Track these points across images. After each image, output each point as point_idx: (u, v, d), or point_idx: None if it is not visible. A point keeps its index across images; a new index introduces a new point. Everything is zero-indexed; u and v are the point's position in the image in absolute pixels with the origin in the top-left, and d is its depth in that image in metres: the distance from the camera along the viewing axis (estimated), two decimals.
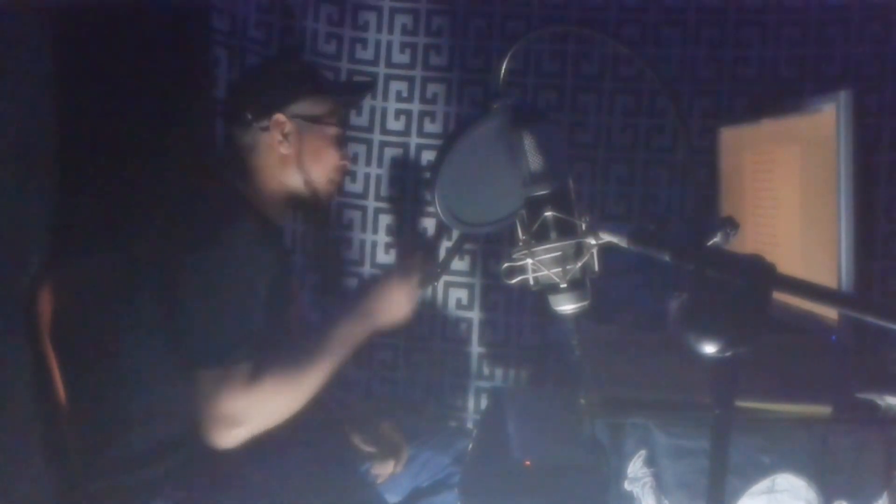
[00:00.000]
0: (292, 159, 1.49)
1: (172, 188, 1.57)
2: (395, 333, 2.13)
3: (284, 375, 1.33)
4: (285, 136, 1.47)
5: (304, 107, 1.49)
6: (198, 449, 1.29)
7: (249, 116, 1.47)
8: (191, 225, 1.37)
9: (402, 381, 2.16)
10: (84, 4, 1.72)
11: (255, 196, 1.48)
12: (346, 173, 1.66)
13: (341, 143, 1.54)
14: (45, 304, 1.42)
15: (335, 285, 2.15)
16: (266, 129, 1.47)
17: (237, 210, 1.40)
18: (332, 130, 1.52)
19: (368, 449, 1.60)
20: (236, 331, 1.30)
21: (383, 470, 1.58)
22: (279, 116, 1.47)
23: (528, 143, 0.94)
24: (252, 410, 1.28)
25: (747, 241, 1.70)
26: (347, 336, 1.40)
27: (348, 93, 1.72)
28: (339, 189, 1.65)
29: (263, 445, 1.32)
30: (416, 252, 1.52)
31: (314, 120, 1.49)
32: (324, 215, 1.63)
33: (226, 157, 1.52)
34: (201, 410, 1.26)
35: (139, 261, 1.39)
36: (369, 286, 1.50)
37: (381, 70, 2.14)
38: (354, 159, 2.14)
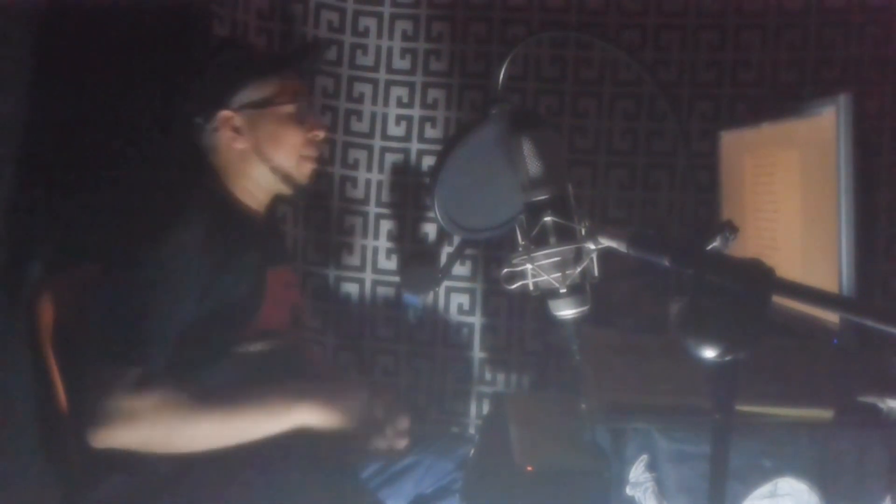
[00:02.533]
0: (252, 151, 1.46)
1: (155, 194, 1.53)
2: (397, 339, 2.15)
3: (176, 401, 1.27)
4: (237, 130, 1.45)
5: (248, 94, 1.46)
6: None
7: (198, 120, 1.45)
8: (138, 229, 1.35)
9: (403, 386, 2.16)
10: (84, 10, 1.73)
11: (233, 196, 1.47)
12: (321, 143, 1.56)
13: (302, 116, 1.50)
14: (46, 310, 1.42)
15: (336, 291, 2.15)
16: (216, 129, 1.45)
17: (186, 217, 1.36)
18: (286, 109, 1.47)
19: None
20: (139, 335, 1.27)
21: (384, 444, 1.43)
22: (224, 113, 1.44)
23: (527, 148, 0.95)
24: (128, 417, 1.23)
25: (748, 245, 1.70)
26: (270, 401, 1.32)
27: (288, 65, 1.60)
28: (320, 161, 1.59)
29: (263, 451, 1.32)
30: (389, 399, 1.43)
31: (261, 105, 1.45)
32: (302, 193, 1.53)
33: (199, 163, 1.49)
34: (85, 403, 1.25)
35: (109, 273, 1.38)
36: (332, 380, 1.47)
37: (382, 76, 2.14)
38: (355, 165, 2.14)
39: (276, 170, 1.48)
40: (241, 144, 1.46)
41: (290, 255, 1.64)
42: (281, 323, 1.52)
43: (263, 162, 1.47)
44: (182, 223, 1.34)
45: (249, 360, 1.43)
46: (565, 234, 0.95)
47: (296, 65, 1.62)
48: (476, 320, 2.16)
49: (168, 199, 1.41)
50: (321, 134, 1.54)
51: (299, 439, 1.35)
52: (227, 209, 1.47)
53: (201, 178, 1.48)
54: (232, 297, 1.39)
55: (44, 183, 1.66)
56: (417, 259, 2.05)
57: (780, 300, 0.74)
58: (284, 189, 1.53)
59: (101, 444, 1.24)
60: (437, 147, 2.12)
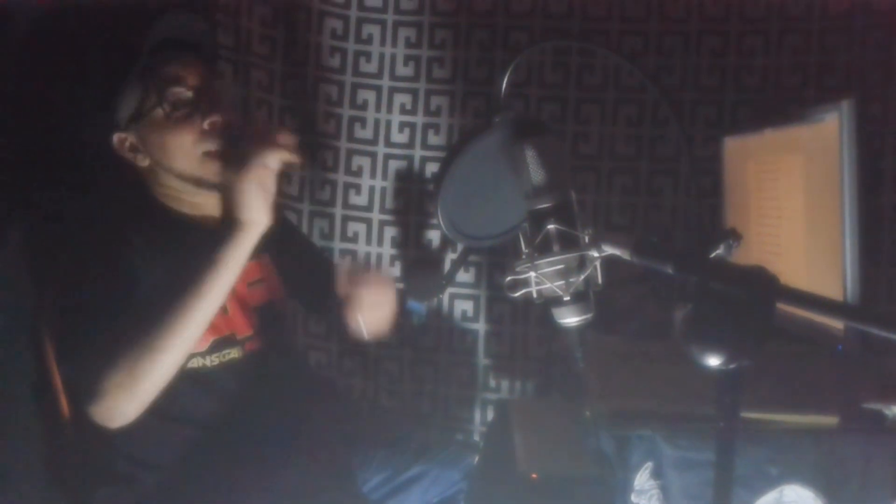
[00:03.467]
0: (154, 167, 1.38)
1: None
2: (401, 345, 2.15)
3: (140, 324, 1.20)
4: (134, 149, 1.37)
5: (125, 110, 1.36)
6: (197, 462, 1.30)
7: (107, 143, 1.38)
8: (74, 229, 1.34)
9: (407, 393, 2.16)
10: (84, 16, 1.73)
11: (159, 199, 1.41)
12: (224, 129, 1.36)
13: (185, 116, 1.34)
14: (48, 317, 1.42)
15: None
16: (118, 151, 1.38)
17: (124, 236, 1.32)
18: (157, 113, 1.34)
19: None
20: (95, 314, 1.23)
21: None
22: (117, 136, 1.37)
23: (530, 155, 0.95)
24: (107, 378, 1.18)
25: (752, 251, 1.70)
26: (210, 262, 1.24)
27: (152, 64, 1.38)
28: (232, 143, 1.35)
29: (261, 459, 1.32)
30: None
31: (139, 117, 1.34)
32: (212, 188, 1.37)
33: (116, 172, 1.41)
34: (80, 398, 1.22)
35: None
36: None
37: (386, 83, 2.15)
38: (359, 172, 2.15)
39: (181, 178, 1.37)
40: (143, 162, 1.38)
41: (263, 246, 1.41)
42: (246, 326, 1.43)
43: (168, 173, 1.37)
44: (120, 242, 1.30)
45: (208, 376, 1.36)
46: (569, 242, 0.95)
47: (161, 54, 1.38)
48: (480, 327, 2.16)
49: (109, 219, 1.36)
50: (217, 121, 1.35)
51: (297, 448, 1.35)
52: (161, 221, 1.39)
53: (136, 195, 1.42)
54: None
55: (45, 184, 1.65)
56: (421, 266, 2.04)
57: (784, 307, 0.74)
58: (201, 189, 1.39)
59: (119, 416, 1.21)
60: (441, 154, 2.12)
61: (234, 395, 1.38)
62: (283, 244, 1.56)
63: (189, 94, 1.35)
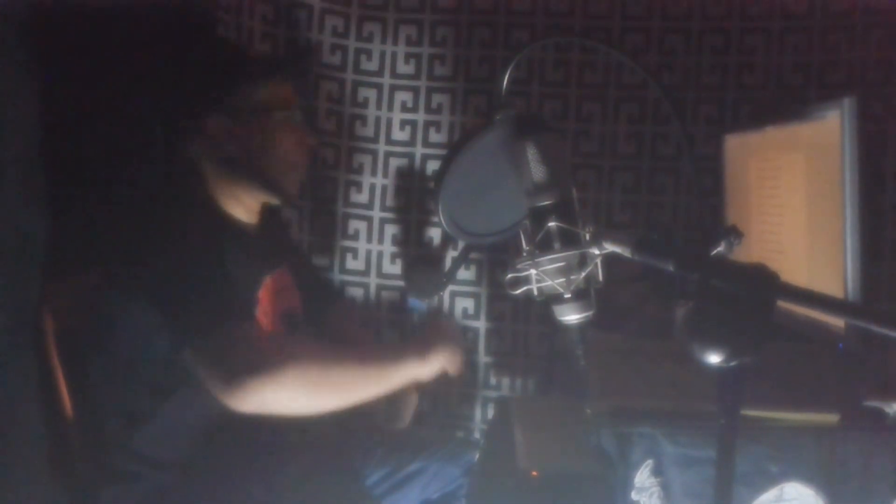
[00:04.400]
0: (242, 160, 1.39)
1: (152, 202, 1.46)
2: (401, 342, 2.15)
3: (307, 346, 1.24)
4: (226, 137, 1.37)
5: (240, 99, 1.38)
6: (201, 461, 1.30)
7: (184, 126, 1.39)
8: (152, 230, 1.32)
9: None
10: (88, 14, 1.73)
11: (216, 200, 1.41)
12: (311, 152, 1.48)
13: (293, 125, 1.43)
14: (51, 318, 1.42)
15: (339, 295, 2.15)
16: (206, 134, 1.37)
17: (196, 213, 1.35)
18: (277, 116, 1.40)
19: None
20: (223, 298, 1.24)
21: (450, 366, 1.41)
22: (214, 119, 1.36)
23: (531, 153, 0.95)
24: (272, 367, 1.16)
25: (752, 249, 1.70)
26: (391, 357, 1.33)
27: (282, 69, 1.52)
28: (309, 168, 1.50)
29: (265, 457, 1.32)
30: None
31: (253, 110, 1.38)
32: (289, 203, 1.51)
33: (181, 166, 1.42)
34: (214, 377, 1.18)
35: (125, 274, 1.34)
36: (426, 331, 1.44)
37: (387, 80, 2.15)
38: (360, 169, 2.15)
39: (264, 179, 1.41)
40: (231, 152, 1.38)
41: (284, 256, 1.56)
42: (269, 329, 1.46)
43: (252, 170, 1.40)
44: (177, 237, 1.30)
45: None
46: (570, 239, 0.95)
47: (290, 69, 1.55)
48: (481, 324, 2.16)
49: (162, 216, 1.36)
50: (313, 142, 1.48)
51: (301, 446, 1.36)
52: (214, 223, 1.40)
53: (189, 189, 1.42)
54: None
55: (44, 190, 1.66)
56: (422, 263, 2.04)
57: (785, 305, 0.74)
58: (272, 199, 1.47)
59: (251, 405, 1.17)
60: (442, 152, 2.12)
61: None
62: (293, 257, 1.60)
63: (298, 111, 1.43)
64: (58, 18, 1.68)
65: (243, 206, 1.46)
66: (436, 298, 2.12)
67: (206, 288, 1.24)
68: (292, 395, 1.19)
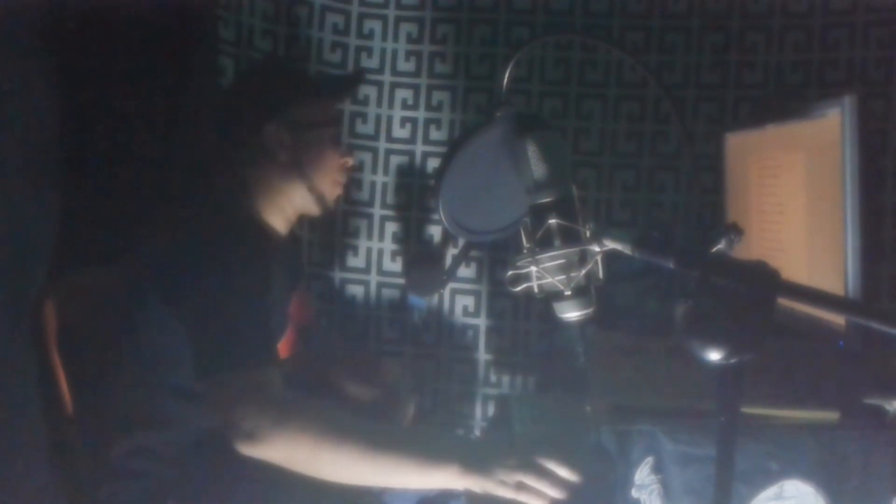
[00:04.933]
0: (292, 168, 1.44)
1: (176, 202, 1.52)
2: (402, 341, 2.15)
3: (326, 422, 1.20)
4: (281, 145, 1.43)
5: (297, 112, 1.44)
6: (202, 458, 1.30)
7: (242, 131, 1.42)
8: (197, 242, 1.32)
9: (408, 388, 2.16)
10: (90, 14, 1.73)
11: (259, 211, 1.45)
12: (351, 171, 1.59)
13: (339, 142, 1.51)
14: (52, 315, 1.42)
15: (341, 293, 2.15)
16: (260, 141, 1.42)
17: (242, 225, 1.37)
18: (329, 131, 1.47)
19: (367, 394, 1.50)
20: (257, 337, 1.24)
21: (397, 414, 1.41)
22: (272, 126, 1.42)
23: (531, 150, 0.95)
24: (285, 421, 1.17)
25: (753, 247, 1.70)
26: (421, 452, 1.20)
27: (339, 89, 1.65)
28: (346, 189, 1.59)
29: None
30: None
31: (309, 124, 1.44)
32: (330, 216, 1.54)
33: (226, 173, 1.46)
34: (226, 416, 1.18)
35: (143, 272, 1.35)
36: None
37: (387, 78, 2.15)
38: (360, 167, 2.15)
39: (312, 189, 1.46)
40: (283, 160, 1.43)
41: (303, 275, 1.63)
42: (289, 348, 1.52)
43: (301, 180, 1.45)
44: (249, 233, 1.35)
45: None
46: (570, 237, 0.95)
47: (348, 89, 1.65)
48: (481, 322, 2.16)
49: (220, 210, 1.39)
50: (351, 162, 1.54)
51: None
52: (258, 241, 1.42)
53: (230, 194, 1.45)
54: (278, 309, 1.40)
55: (50, 186, 1.66)
56: (422, 261, 2.04)
57: (785, 302, 0.74)
58: (314, 209, 1.50)
59: (254, 454, 1.18)
60: (442, 149, 2.12)
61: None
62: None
63: (340, 127, 1.54)
64: (63, 20, 1.69)
65: (283, 216, 1.48)
66: (436, 296, 2.12)
67: (242, 320, 1.24)
68: (295, 461, 1.20)
